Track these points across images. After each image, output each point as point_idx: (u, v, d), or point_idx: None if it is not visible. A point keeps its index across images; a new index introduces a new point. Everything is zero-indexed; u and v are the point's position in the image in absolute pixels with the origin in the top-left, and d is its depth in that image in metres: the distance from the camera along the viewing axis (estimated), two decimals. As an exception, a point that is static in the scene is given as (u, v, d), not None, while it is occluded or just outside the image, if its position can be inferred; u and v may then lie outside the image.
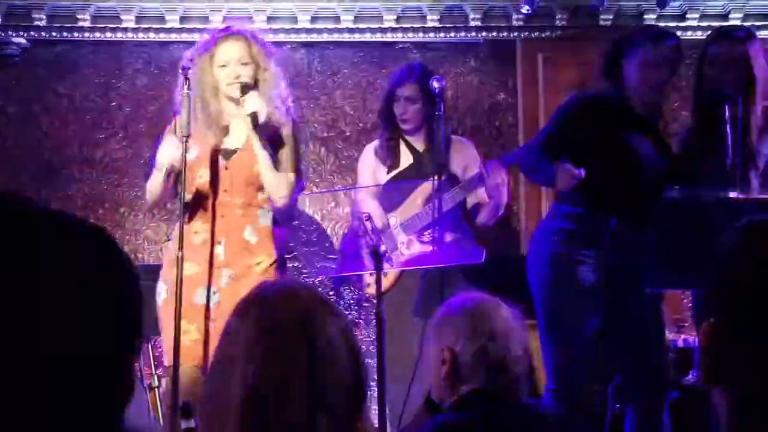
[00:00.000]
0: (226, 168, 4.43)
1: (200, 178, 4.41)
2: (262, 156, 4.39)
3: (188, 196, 4.38)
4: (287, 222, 4.69)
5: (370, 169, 5.23)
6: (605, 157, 4.40)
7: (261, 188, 4.44)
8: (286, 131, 4.49)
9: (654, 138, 4.48)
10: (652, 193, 4.35)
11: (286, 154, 4.48)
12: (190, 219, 4.43)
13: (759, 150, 4.49)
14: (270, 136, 4.44)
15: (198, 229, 4.41)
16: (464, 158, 5.16)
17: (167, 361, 4.33)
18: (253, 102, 4.36)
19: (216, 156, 4.44)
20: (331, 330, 1.86)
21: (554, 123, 4.60)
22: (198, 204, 4.42)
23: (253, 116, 4.35)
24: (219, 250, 4.37)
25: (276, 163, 4.43)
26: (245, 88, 4.37)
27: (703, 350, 1.30)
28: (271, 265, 4.42)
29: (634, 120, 4.45)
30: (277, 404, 1.77)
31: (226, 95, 4.45)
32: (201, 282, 4.33)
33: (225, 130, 4.49)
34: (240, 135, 4.48)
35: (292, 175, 4.48)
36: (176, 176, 4.39)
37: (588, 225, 4.34)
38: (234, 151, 4.46)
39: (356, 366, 1.89)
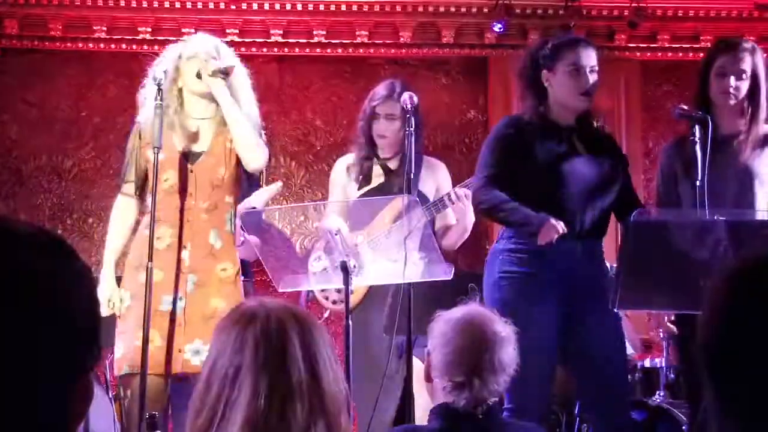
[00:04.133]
0: (191, 171, 4.40)
1: (166, 181, 4.37)
2: (236, 113, 4.35)
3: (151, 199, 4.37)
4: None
5: (341, 184, 5.22)
6: (536, 178, 4.37)
7: (227, 192, 4.42)
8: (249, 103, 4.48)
9: (590, 149, 4.44)
10: (592, 208, 4.34)
11: (250, 119, 4.43)
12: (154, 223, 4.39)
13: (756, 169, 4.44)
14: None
15: (162, 234, 4.34)
16: (435, 179, 5.15)
17: (117, 369, 4.28)
18: (216, 62, 4.34)
19: (181, 159, 4.41)
20: (324, 338, 1.98)
21: (489, 154, 4.53)
22: (163, 208, 4.35)
23: (222, 71, 4.32)
24: (185, 255, 4.33)
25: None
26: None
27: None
28: (236, 273, 4.40)
29: (561, 135, 4.41)
30: (283, 412, 1.87)
31: (192, 91, 4.44)
32: (165, 289, 4.29)
33: (192, 137, 4.44)
34: (206, 139, 4.44)
35: (261, 138, 4.46)
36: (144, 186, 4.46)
37: (532, 244, 4.30)
38: (199, 155, 4.42)
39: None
